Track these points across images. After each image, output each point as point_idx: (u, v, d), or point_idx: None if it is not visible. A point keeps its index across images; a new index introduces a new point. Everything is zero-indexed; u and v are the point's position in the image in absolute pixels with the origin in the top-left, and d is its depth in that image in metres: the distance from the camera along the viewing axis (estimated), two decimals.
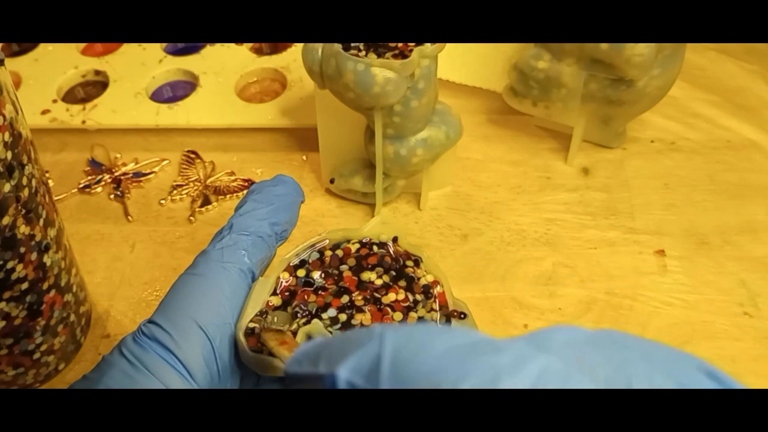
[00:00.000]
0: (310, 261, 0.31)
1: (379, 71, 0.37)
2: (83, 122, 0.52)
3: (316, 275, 0.31)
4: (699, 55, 0.58)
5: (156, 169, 0.51)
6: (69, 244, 0.38)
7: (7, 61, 0.31)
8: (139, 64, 0.56)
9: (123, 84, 0.55)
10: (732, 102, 0.55)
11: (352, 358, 0.18)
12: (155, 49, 0.58)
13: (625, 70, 0.43)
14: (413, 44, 0.38)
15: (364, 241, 0.32)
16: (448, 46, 0.40)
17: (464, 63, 0.54)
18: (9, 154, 0.31)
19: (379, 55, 0.38)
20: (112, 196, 0.50)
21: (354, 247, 0.32)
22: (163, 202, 0.49)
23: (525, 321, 0.41)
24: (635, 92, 0.45)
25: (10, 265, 0.32)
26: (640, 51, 0.41)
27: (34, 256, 0.33)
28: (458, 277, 0.43)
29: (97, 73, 0.56)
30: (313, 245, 0.32)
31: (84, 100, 0.54)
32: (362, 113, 0.41)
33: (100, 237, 0.47)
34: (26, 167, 0.32)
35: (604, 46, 0.42)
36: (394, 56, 0.38)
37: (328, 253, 0.31)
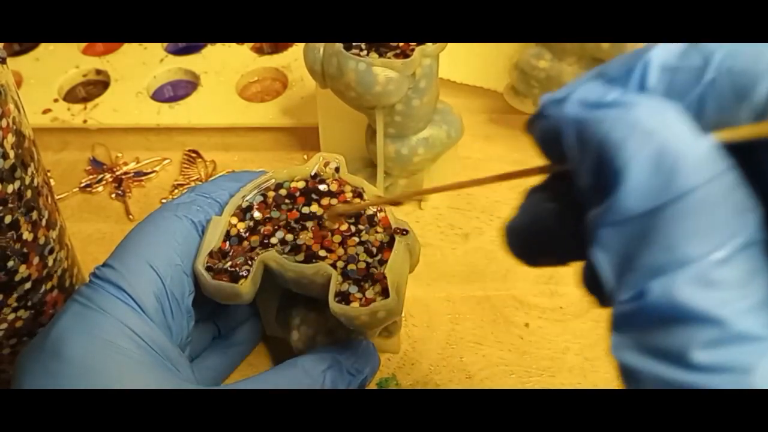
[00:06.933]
0: (256, 204, 0.33)
1: (381, 70, 0.37)
2: (84, 121, 0.52)
3: (262, 215, 0.33)
4: None
5: (157, 169, 0.51)
6: (71, 243, 0.38)
7: (9, 61, 0.31)
8: (140, 64, 0.56)
9: (124, 83, 0.55)
10: None
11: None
12: (156, 48, 0.58)
13: None
14: (415, 43, 0.38)
15: (308, 178, 0.34)
16: (450, 45, 0.40)
17: (465, 62, 0.54)
18: (12, 155, 0.31)
19: (381, 55, 0.38)
20: (113, 196, 0.50)
21: (300, 185, 0.34)
22: (164, 201, 0.49)
23: (526, 320, 0.41)
24: None
25: (14, 266, 0.32)
26: None
27: (37, 257, 0.33)
28: (459, 276, 0.43)
29: (98, 72, 0.56)
30: (258, 186, 0.33)
31: (85, 100, 0.54)
32: (364, 112, 0.42)
33: (101, 236, 0.47)
34: (29, 168, 0.32)
35: (605, 45, 0.42)
36: (396, 55, 0.38)
37: (271, 193, 0.33)
